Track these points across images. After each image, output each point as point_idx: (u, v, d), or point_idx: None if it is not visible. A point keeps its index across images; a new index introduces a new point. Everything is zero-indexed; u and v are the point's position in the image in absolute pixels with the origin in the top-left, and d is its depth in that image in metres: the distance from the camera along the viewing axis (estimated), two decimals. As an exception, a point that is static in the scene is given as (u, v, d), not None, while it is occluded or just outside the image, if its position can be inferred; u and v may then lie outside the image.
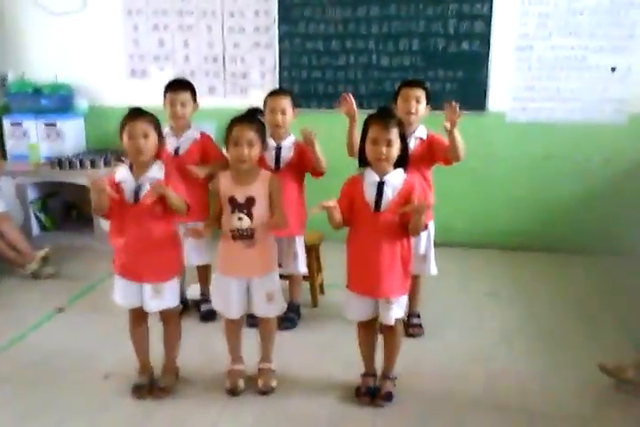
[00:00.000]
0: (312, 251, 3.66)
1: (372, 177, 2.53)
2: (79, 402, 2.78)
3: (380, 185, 2.51)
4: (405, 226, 2.51)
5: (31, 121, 5.10)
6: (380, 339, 2.77)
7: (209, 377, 2.96)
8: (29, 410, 2.72)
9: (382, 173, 2.52)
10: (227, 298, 2.76)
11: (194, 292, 3.76)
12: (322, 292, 3.90)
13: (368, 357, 2.80)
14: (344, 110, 3.14)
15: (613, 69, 4.41)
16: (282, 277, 3.61)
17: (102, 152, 4.98)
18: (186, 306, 3.63)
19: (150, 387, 2.85)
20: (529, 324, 3.54)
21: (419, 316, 3.44)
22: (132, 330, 2.86)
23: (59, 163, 4.78)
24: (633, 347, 3.20)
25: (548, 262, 4.54)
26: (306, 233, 3.51)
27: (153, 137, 2.61)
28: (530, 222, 4.72)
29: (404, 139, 2.50)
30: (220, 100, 4.90)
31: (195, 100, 3.44)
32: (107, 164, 4.81)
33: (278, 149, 3.28)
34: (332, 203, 2.47)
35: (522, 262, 4.54)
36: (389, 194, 2.51)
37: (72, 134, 5.18)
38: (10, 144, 5.17)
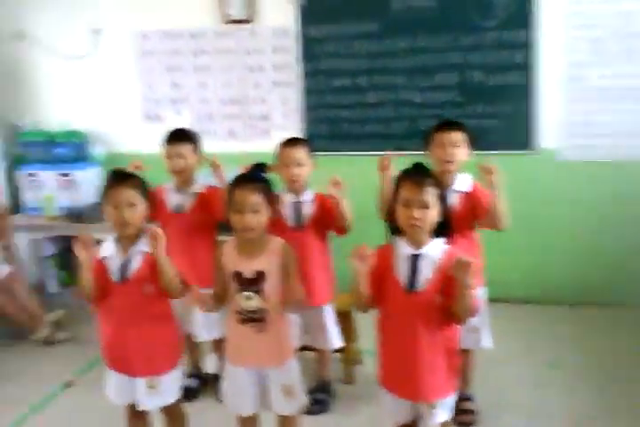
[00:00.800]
0: (345, 318, 3.18)
1: (404, 249, 2.07)
2: None
3: (415, 259, 2.04)
4: (449, 309, 2.02)
5: (46, 171, 4.81)
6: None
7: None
8: None
9: (417, 244, 2.05)
10: (237, 392, 2.30)
11: (212, 364, 3.30)
12: (359, 362, 3.40)
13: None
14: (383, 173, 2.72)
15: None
16: (309, 349, 3.17)
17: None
18: (204, 381, 3.19)
19: None
20: (601, 407, 2.94)
21: (470, 399, 2.90)
22: (128, 425, 2.43)
23: (76, 215, 4.46)
24: None
25: (617, 319, 3.94)
26: (336, 298, 3.02)
27: (140, 205, 2.22)
28: (593, 274, 4.14)
29: (442, 201, 2.04)
30: (242, 144, 4.52)
31: (198, 151, 3.04)
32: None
33: (298, 204, 2.85)
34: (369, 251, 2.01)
35: (587, 320, 3.94)
36: (426, 270, 2.03)
37: (88, 184, 4.86)
38: (27, 196, 4.88)
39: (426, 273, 2.02)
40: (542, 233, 4.15)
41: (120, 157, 4.85)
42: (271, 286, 2.19)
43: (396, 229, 2.07)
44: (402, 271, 2.05)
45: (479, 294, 2.75)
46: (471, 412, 2.84)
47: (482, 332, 2.78)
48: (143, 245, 2.23)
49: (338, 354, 3.21)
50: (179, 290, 2.23)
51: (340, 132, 4.31)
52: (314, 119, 4.35)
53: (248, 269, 2.20)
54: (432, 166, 2.68)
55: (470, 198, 2.68)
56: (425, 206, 1.98)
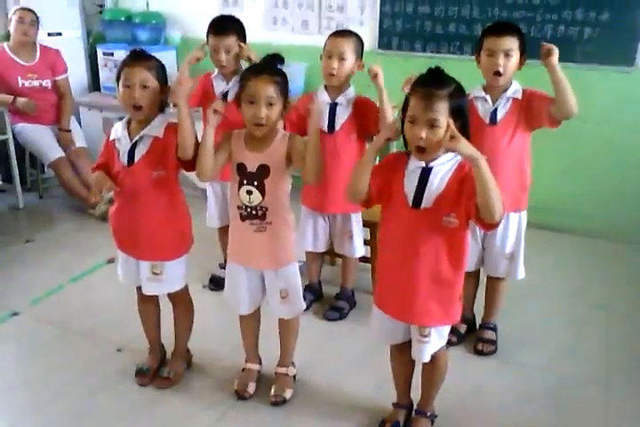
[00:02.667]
0: (375, 228, 3.03)
1: (414, 161, 1.84)
2: (80, 375, 2.53)
3: (425, 173, 1.82)
4: (461, 229, 1.82)
5: (122, 51, 4.79)
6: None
7: (225, 369, 2.54)
8: (29, 376, 2.55)
9: (428, 158, 1.82)
10: (235, 290, 2.26)
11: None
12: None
13: (401, 386, 2.21)
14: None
15: None
16: (336, 255, 3.09)
17: (196, 88, 4.57)
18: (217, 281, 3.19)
19: (154, 373, 2.49)
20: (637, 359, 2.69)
21: (494, 329, 2.73)
22: (139, 308, 2.51)
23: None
24: None
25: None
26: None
27: (154, 87, 2.11)
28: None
29: (461, 115, 1.76)
30: (314, 37, 4.23)
31: (244, 41, 2.85)
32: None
33: (333, 105, 2.65)
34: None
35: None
36: (435, 186, 1.81)
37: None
38: (102, 75, 4.93)
39: (435, 188, 1.81)
40: (625, 162, 3.69)
41: (195, 42, 4.70)
42: (274, 181, 2.07)
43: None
44: (409, 185, 1.85)
45: (520, 217, 2.52)
46: (491, 342, 2.69)
47: (515, 260, 2.56)
48: (153, 129, 2.15)
49: (366, 264, 3.10)
50: (189, 152, 2.09)
51: (417, 29, 3.92)
52: (391, 14, 3.97)
53: (252, 161, 2.07)
54: (483, 75, 2.41)
55: (526, 101, 2.38)
56: (433, 125, 1.72)
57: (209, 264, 3.22)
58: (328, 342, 2.75)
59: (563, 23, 3.56)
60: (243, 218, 2.12)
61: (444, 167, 1.81)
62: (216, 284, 3.15)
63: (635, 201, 3.71)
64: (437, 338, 1.96)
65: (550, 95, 2.32)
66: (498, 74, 2.32)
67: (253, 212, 2.10)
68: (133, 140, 2.14)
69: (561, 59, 3.63)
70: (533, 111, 2.36)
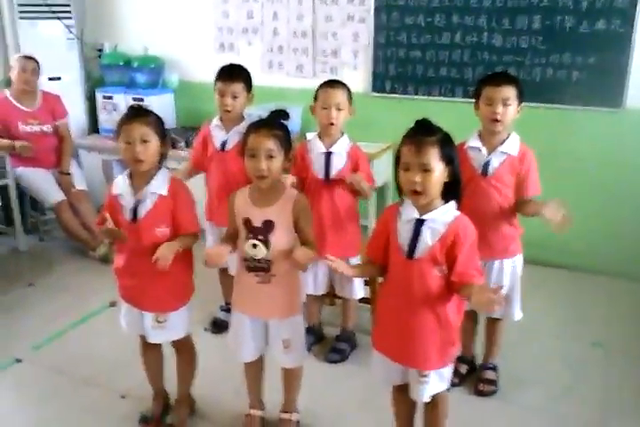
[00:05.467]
0: (375, 270, 3.09)
1: (409, 212, 1.91)
2: (84, 424, 2.55)
3: (418, 225, 1.88)
4: (452, 281, 1.88)
5: (121, 95, 4.92)
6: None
7: (229, 415, 2.56)
8: (32, 424, 2.56)
9: (424, 209, 1.89)
10: (238, 338, 2.30)
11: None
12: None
13: (403, 430, 2.23)
14: None
15: None
16: (335, 295, 3.13)
17: (192, 130, 4.62)
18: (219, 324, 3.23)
19: (158, 420, 2.50)
20: (639, 394, 2.72)
21: (494, 369, 2.77)
22: (142, 355, 2.52)
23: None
24: None
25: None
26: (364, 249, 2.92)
27: (154, 142, 2.17)
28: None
29: (450, 161, 1.84)
30: (309, 80, 4.35)
31: (249, 90, 2.96)
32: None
33: (328, 154, 2.73)
34: (343, 268, 1.98)
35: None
36: (428, 238, 1.87)
37: (161, 110, 4.83)
38: (101, 118, 5.03)
39: (428, 240, 1.87)
40: (617, 201, 3.77)
41: (192, 85, 4.87)
42: (279, 236, 2.13)
43: (402, 192, 1.91)
44: (404, 236, 1.91)
45: (515, 261, 2.57)
46: (491, 382, 2.72)
47: (511, 302, 2.60)
48: (157, 187, 2.20)
49: (368, 305, 3.15)
50: (192, 244, 2.27)
51: (409, 73, 4.03)
52: (384, 58, 4.09)
53: (258, 217, 2.13)
54: (481, 122, 2.49)
55: (517, 162, 2.45)
56: (425, 169, 1.80)
57: (210, 307, 3.26)
58: (330, 385, 2.77)
59: (551, 66, 3.66)
60: (248, 270, 2.18)
61: (437, 220, 1.87)
62: (218, 327, 3.18)
63: (626, 239, 3.78)
64: (437, 380, 2.00)
65: (532, 188, 2.45)
66: (496, 121, 2.40)
67: (258, 264, 2.15)
68: (138, 198, 2.19)
69: (550, 100, 3.77)
70: (520, 178, 2.46)
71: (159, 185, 2.20)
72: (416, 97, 4.05)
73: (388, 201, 4.24)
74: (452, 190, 1.87)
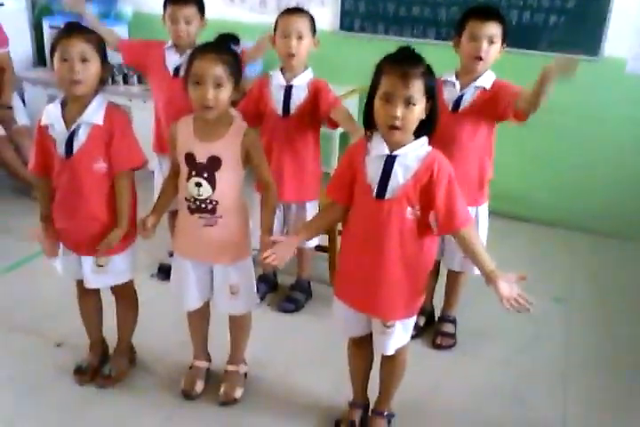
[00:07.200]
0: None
1: (378, 148, 1.72)
2: (15, 373, 2.36)
3: (389, 161, 1.70)
4: (425, 222, 1.73)
5: (71, 25, 4.55)
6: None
7: (171, 367, 2.40)
8: None
9: (395, 145, 1.70)
10: (182, 285, 2.12)
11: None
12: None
13: (358, 383, 2.11)
14: None
15: None
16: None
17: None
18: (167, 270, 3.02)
19: (95, 371, 2.33)
20: (594, 356, 2.64)
21: (454, 322, 2.67)
22: (79, 302, 2.34)
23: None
24: None
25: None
26: (321, 193, 2.74)
27: (94, 62, 1.92)
28: (632, 205, 3.67)
29: (431, 96, 1.66)
30: (272, 17, 4.03)
31: (202, 14, 2.70)
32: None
33: (289, 88, 2.52)
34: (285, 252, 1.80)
35: (613, 254, 3.54)
36: (400, 175, 1.70)
37: (115, 43, 4.59)
38: (48, 50, 4.64)
39: (400, 178, 1.70)
40: (587, 153, 3.65)
41: (147, 17, 4.52)
42: (225, 174, 1.93)
43: (372, 125, 1.72)
44: (372, 174, 1.73)
45: (478, 212, 2.43)
46: (450, 335, 2.63)
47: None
48: (91, 116, 1.95)
49: (323, 254, 3.00)
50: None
51: (380, 11, 3.78)
52: (353, -6, 3.83)
53: (202, 152, 1.92)
54: (461, 60, 2.30)
55: (493, 92, 2.28)
56: (410, 102, 1.61)
57: (157, 251, 3.06)
58: (282, 335, 2.64)
59: (528, 9, 3.48)
60: (191, 211, 1.97)
61: (409, 156, 1.70)
62: (165, 273, 2.99)
63: (598, 192, 3.69)
64: (402, 331, 1.87)
65: (518, 88, 2.23)
66: (479, 59, 2.22)
67: (202, 205, 1.95)
68: (70, 129, 1.95)
69: (525, 46, 3.58)
70: (499, 103, 2.26)
71: (93, 113, 1.95)
72: (386, 37, 3.81)
73: (335, 146, 3.99)
74: (425, 127, 1.69)
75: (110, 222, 2.04)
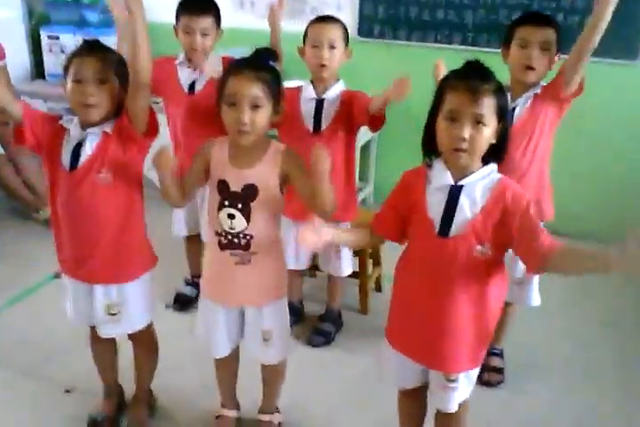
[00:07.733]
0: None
1: (441, 177, 1.50)
2: (22, 423, 2.13)
3: (454, 193, 1.48)
4: (498, 262, 1.49)
5: (69, 35, 4.33)
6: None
7: (196, 415, 2.16)
8: None
9: (461, 172, 1.48)
10: (210, 330, 1.88)
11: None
12: (378, 289, 2.99)
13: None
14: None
15: None
16: (318, 268, 2.71)
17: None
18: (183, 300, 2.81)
19: (112, 423, 2.10)
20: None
21: (501, 355, 2.44)
22: (91, 346, 2.11)
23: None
24: None
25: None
26: (357, 215, 2.50)
27: (112, 84, 1.71)
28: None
29: (503, 116, 1.45)
30: (283, 23, 3.81)
31: (219, 26, 2.50)
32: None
33: (320, 102, 2.30)
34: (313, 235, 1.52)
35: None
36: (467, 209, 1.48)
37: (116, 54, 4.39)
38: (47, 61, 4.45)
39: (467, 212, 1.47)
40: (625, 158, 3.43)
41: (153, 27, 4.22)
42: (262, 204, 1.70)
43: (432, 151, 1.50)
44: (434, 208, 1.51)
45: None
46: (498, 370, 2.40)
47: (528, 286, 2.25)
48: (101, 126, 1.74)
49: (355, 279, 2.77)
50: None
51: (401, 16, 3.55)
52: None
53: (236, 179, 1.69)
54: (510, 70, 2.11)
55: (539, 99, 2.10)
56: (479, 122, 1.40)
57: (173, 280, 2.83)
58: (315, 373, 2.40)
59: (562, 11, 3.26)
60: (222, 247, 1.74)
61: (477, 186, 1.47)
62: (182, 304, 2.77)
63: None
64: (466, 384, 1.65)
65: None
66: (530, 68, 2.04)
67: (235, 240, 1.72)
68: (78, 140, 1.74)
69: (559, 50, 3.37)
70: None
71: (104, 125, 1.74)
72: (408, 43, 3.58)
73: (372, 161, 3.86)
74: (494, 153, 1.48)
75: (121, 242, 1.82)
